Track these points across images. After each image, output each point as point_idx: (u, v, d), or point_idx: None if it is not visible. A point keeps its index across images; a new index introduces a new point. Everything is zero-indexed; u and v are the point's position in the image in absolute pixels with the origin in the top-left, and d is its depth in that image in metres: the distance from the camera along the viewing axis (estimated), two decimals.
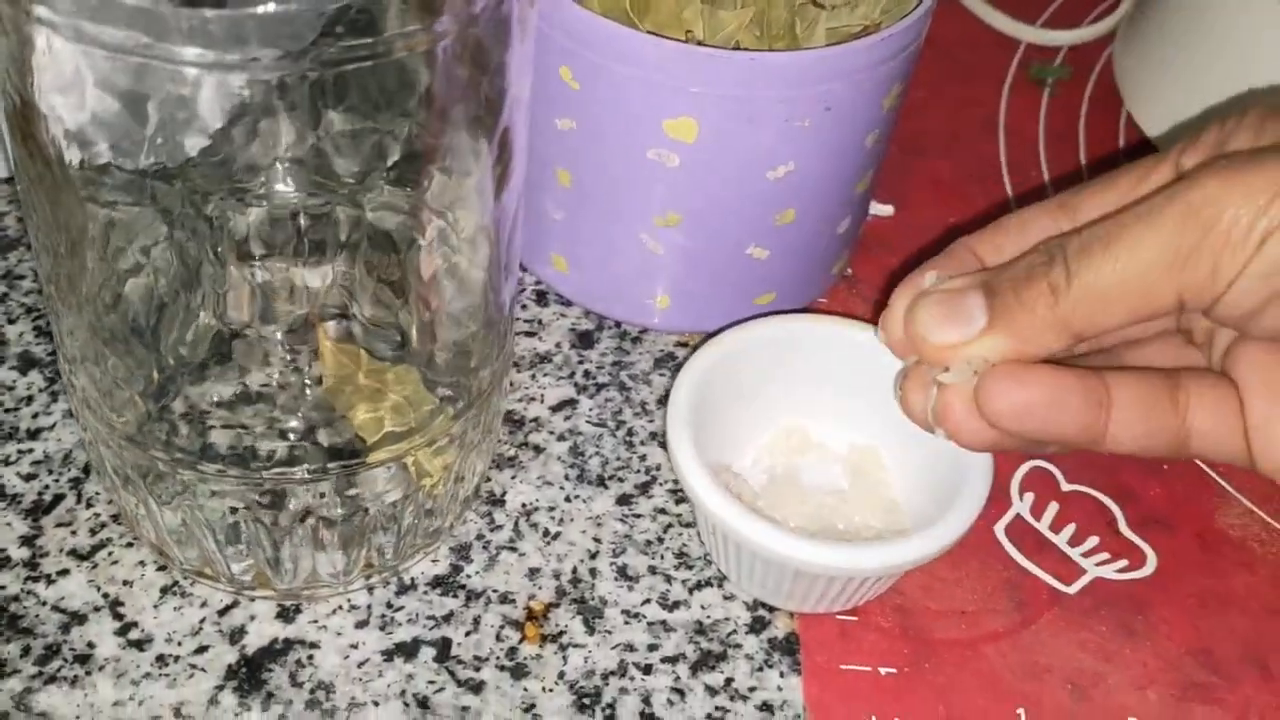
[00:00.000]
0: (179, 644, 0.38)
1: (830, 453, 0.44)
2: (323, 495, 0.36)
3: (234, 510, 0.36)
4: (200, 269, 0.33)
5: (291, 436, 0.36)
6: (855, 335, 0.43)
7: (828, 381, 0.43)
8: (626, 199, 0.44)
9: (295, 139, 0.29)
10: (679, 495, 0.44)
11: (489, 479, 0.43)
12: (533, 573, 0.41)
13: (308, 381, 0.37)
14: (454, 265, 0.34)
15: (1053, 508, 0.45)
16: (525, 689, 0.37)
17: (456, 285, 0.34)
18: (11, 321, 0.45)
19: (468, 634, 0.39)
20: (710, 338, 0.42)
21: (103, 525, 0.40)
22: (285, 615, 0.39)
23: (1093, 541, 0.44)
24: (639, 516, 0.43)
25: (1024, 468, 0.46)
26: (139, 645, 0.37)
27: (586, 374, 0.47)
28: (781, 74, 0.40)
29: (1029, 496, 0.45)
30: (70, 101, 0.30)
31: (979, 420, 0.31)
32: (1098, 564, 0.43)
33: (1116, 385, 0.32)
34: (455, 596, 0.40)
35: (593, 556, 0.41)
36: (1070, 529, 0.44)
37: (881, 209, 0.53)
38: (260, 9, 0.25)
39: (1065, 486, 0.45)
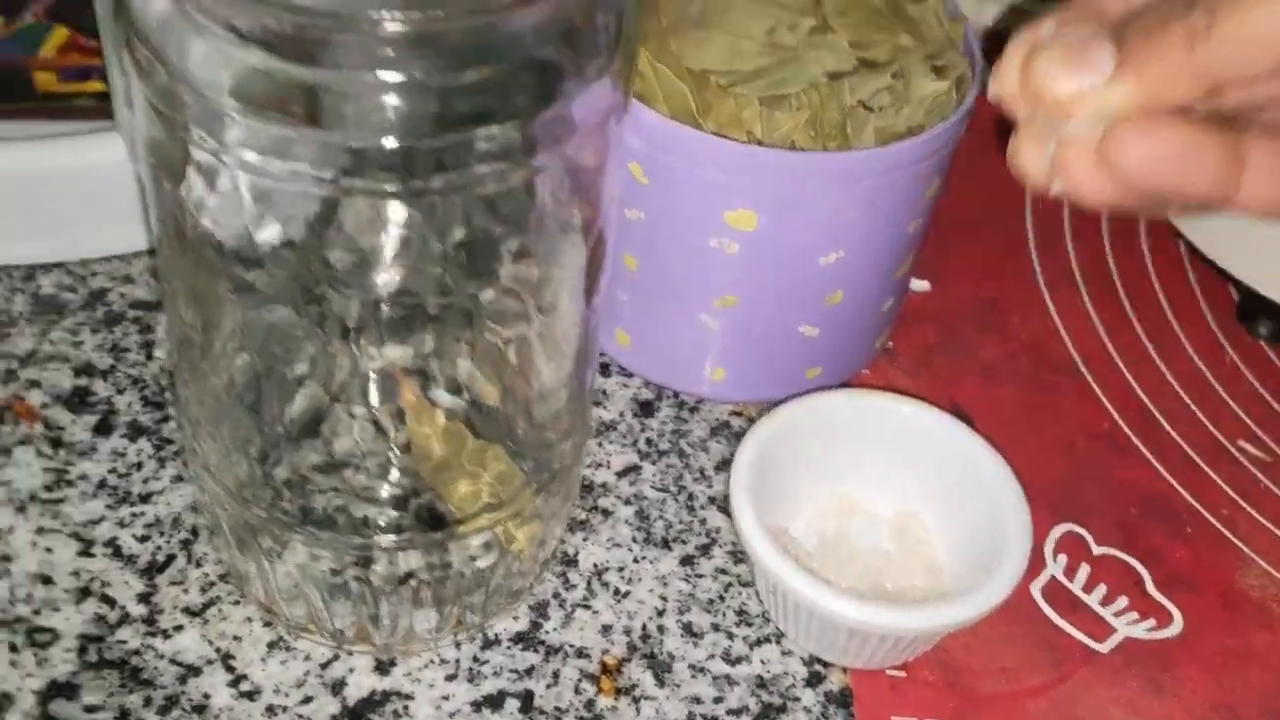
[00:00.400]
0: (286, 695, 0.41)
1: (876, 517, 0.47)
2: (420, 560, 0.39)
3: (338, 571, 0.40)
4: (309, 347, 0.37)
5: (391, 505, 0.39)
6: (901, 409, 0.46)
7: (874, 451, 0.47)
8: (688, 282, 0.47)
9: (417, 247, 0.33)
10: (737, 556, 0.47)
11: (563, 540, 0.46)
12: (605, 629, 0.44)
13: (396, 453, 0.40)
14: (548, 353, 0.37)
15: (1084, 570, 0.48)
16: None
17: (549, 370, 0.38)
18: (120, 392, 0.49)
19: (548, 687, 0.42)
20: (768, 410, 0.45)
21: (212, 584, 0.44)
22: (382, 669, 0.42)
23: (1122, 602, 0.47)
24: (701, 576, 0.46)
25: (1056, 531, 0.49)
26: (250, 696, 0.41)
27: (648, 441, 0.50)
28: (834, 172, 0.43)
29: (1062, 559, 0.48)
30: (221, 206, 0.33)
31: (1103, 174, 0.29)
32: (1128, 623, 0.46)
33: (1253, 141, 0.29)
34: (536, 651, 0.43)
35: (660, 614, 0.45)
36: (1101, 590, 0.47)
37: (919, 284, 0.57)
38: (406, 144, 0.29)
39: (1096, 550, 0.49)
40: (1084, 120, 0.29)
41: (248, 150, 0.31)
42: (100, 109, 0.54)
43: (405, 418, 0.38)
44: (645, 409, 0.52)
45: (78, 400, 0.48)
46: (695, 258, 0.46)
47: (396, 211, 0.32)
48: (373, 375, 0.37)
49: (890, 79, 0.45)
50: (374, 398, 0.38)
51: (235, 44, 0.30)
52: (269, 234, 0.34)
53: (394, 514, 0.39)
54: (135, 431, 0.48)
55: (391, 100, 0.30)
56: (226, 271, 0.35)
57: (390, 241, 0.32)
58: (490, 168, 0.31)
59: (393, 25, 0.28)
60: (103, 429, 0.48)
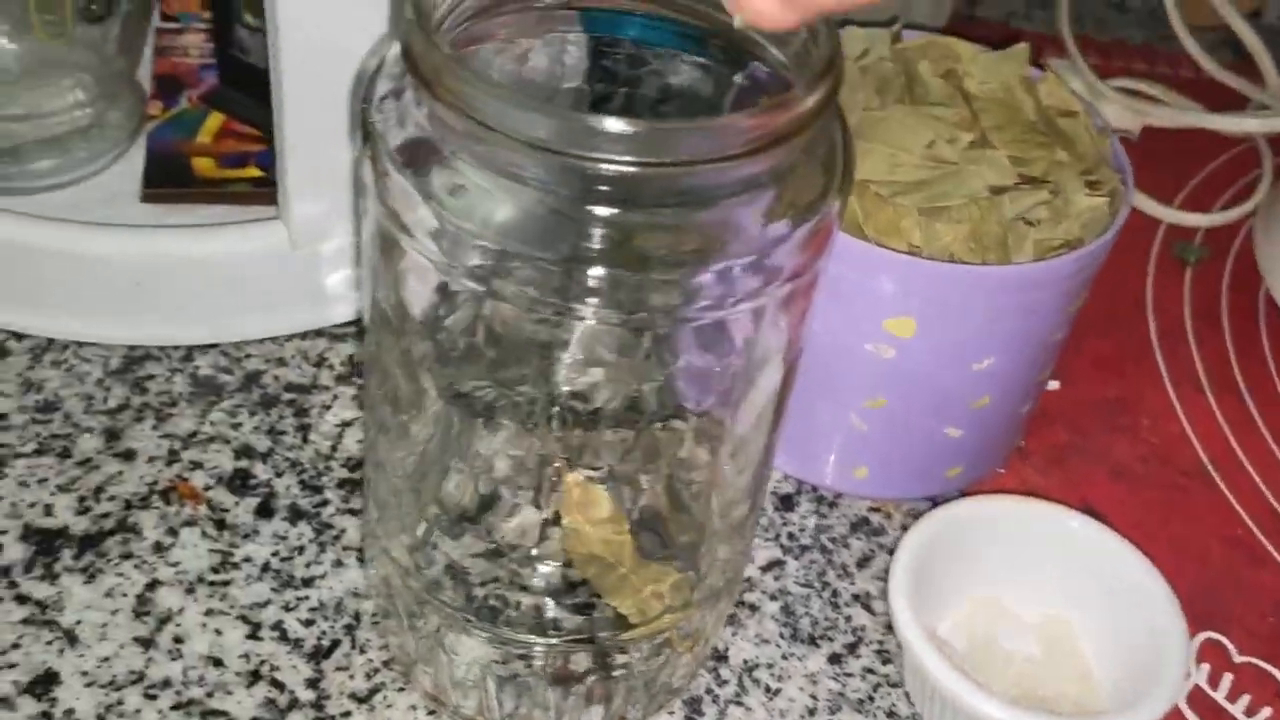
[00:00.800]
0: None
1: (1024, 623, 0.48)
2: (592, 660, 0.40)
3: (509, 663, 0.41)
4: (509, 451, 0.38)
5: (572, 609, 0.40)
6: (1051, 515, 0.47)
7: (1024, 556, 0.47)
8: (840, 383, 0.48)
9: (627, 371, 0.34)
10: (885, 656, 0.47)
11: None
12: None
13: (562, 564, 0.42)
14: (736, 468, 0.38)
15: (1227, 679, 0.48)
16: None
17: (734, 486, 0.39)
18: (279, 475, 0.50)
19: None
20: (912, 507, 0.46)
21: (376, 670, 0.44)
22: None
23: (1266, 712, 0.47)
24: (850, 675, 0.47)
25: (1197, 640, 0.49)
26: None
27: (790, 536, 0.51)
28: (996, 284, 0.44)
29: (1204, 668, 0.49)
30: (433, 307, 0.35)
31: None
32: None
33: None
34: None
35: (811, 713, 0.45)
36: (1245, 700, 0.48)
37: (1051, 384, 0.58)
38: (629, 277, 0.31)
39: (1237, 659, 0.49)
40: None
41: (469, 262, 0.32)
42: (257, 195, 0.56)
43: (590, 526, 0.39)
44: (786, 503, 0.53)
45: (239, 482, 0.50)
46: (850, 360, 0.47)
47: (612, 337, 0.33)
48: (564, 482, 0.38)
49: (1049, 195, 0.46)
50: (562, 503, 0.39)
51: (476, 170, 0.31)
52: (481, 342, 0.35)
53: (576, 617, 0.40)
54: (295, 515, 0.49)
55: (613, 233, 0.31)
56: (433, 371, 0.36)
57: (605, 364, 0.34)
58: (709, 302, 0.32)
59: (615, 165, 0.30)
60: (264, 512, 0.49)
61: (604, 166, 0.29)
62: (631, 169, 0.29)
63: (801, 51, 0.33)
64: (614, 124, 0.29)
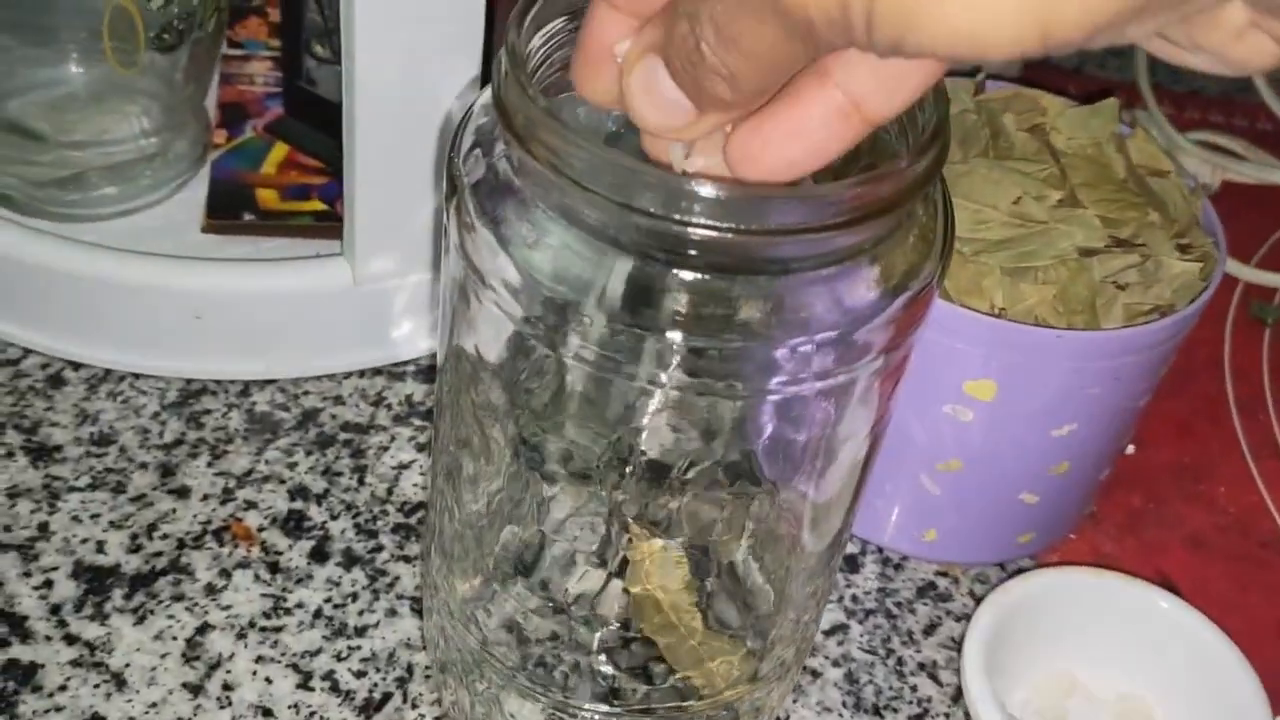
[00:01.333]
0: None
1: (1097, 700, 0.46)
2: None
3: None
4: (580, 519, 0.37)
5: (643, 679, 0.39)
6: (1131, 590, 0.45)
7: (1101, 631, 0.45)
8: (915, 445, 0.47)
9: (709, 443, 0.33)
10: None
11: None
12: None
13: (621, 626, 0.40)
14: (815, 541, 0.37)
15: None
16: None
17: (813, 558, 0.37)
18: (334, 518, 0.49)
19: None
20: (1000, 585, 0.44)
21: None
22: None
23: None
24: None
25: None
26: None
27: (854, 599, 0.50)
28: (1083, 349, 0.43)
29: None
30: (505, 358, 0.34)
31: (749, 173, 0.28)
32: None
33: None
34: None
35: None
36: None
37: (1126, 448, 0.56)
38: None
39: None
40: (701, 151, 0.29)
41: (547, 319, 0.31)
42: (319, 229, 0.55)
43: (662, 594, 0.37)
44: (850, 563, 0.51)
45: (293, 524, 0.49)
46: (926, 422, 0.46)
47: (692, 403, 0.32)
48: (637, 549, 0.37)
49: (1139, 258, 0.44)
50: (633, 571, 0.37)
51: (563, 227, 0.30)
52: (556, 398, 0.34)
53: (639, 685, 0.39)
54: (349, 561, 0.48)
55: (699, 299, 0.30)
56: (504, 423, 0.35)
57: (684, 432, 0.32)
58: (793, 376, 0.31)
59: (706, 231, 0.28)
60: (318, 556, 0.48)
61: (695, 231, 0.28)
62: (724, 235, 0.28)
63: (907, 115, 0.32)
64: (710, 189, 0.28)
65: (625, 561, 0.37)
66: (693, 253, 0.29)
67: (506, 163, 0.31)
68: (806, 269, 0.30)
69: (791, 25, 0.24)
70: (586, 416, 0.34)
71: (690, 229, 0.28)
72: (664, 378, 0.31)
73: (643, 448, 0.34)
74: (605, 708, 0.38)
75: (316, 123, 0.58)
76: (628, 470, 0.35)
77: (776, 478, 0.36)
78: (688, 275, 0.30)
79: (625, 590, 0.38)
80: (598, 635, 0.40)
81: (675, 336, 0.30)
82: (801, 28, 0.24)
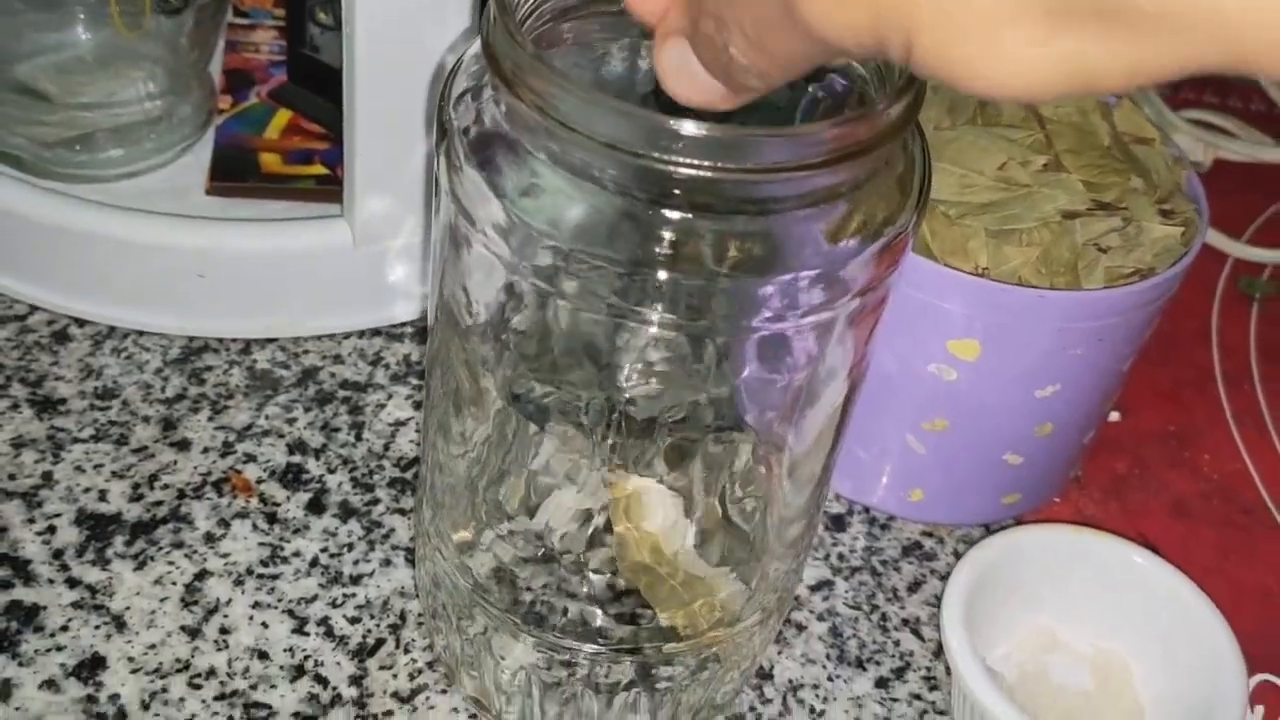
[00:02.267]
0: None
1: (1077, 654, 0.47)
2: (639, 671, 0.40)
3: (551, 668, 0.40)
4: (566, 458, 0.38)
5: (624, 620, 0.40)
6: (1110, 547, 0.46)
7: (1080, 588, 0.46)
8: (900, 404, 0.48)
9: (694, 379, 0.34)
10: (932, 682, 0.47)
11: None
12: None
13: (611, 572, 0.41)
14: (796, 485, 0.38)
15: None
16: None
17: (794, 502, 0.38)
18: (331, 471, 0.50)
19: None
20: (967, 536, 0.45)
21: (419, 671, 0.44)
22: None
23: None
24: (896, 700, 0.46)
25: (1253, 681, 0.48)
26: None
27: (840, 557, 0.51)
28: (1065, 310, 0.44)
29: (1259, 709, 0.47)
30: (497, 302, 0.35)
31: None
32: None
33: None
34: None
35: None
36: None
37: (1111, 414, 0.57)
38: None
39: None
40: None
41: (537, 261, 0.32)
42: (321, 192, 0.56)
43: (640, 534, 0.38)
44: (837, 523, 0.52)
45: (291, 477, 0.50)
46: (911, 381, 0.47)
47: (676, 344, 0.33)
48: (616, 489, 0.38)
49: (1121, 222, 0.45)
50: (613, 510, 0.38)
51: (550, 169, 0.31)
52: (544, 344, 0.35)
53: (623, 626, 0.40)
54: (346, 513, 0.49)
55: (684, 238, 0.31)
56: (495, 371, 0.36)
57: (667, 372, 0.33)
58: (775, 313, 0.31)
59: (691, 170, 0.29)
60: (315, 508, 0.49)
61: (680, 170, 0.29)
62: (709, 174, 0.29)
63: (884, 66, 0.33)
64: (693, 128, 0.29)
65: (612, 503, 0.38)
66: (677, 192, 0.30)
67: (495, 107, 0.32)
68: (788, 209, 0.31)
69: (823, 46, 0.24)
70: (573, 359, 0.35)
71: (674, 168, 0.29)
72: (647, 316, 0.32)
73: (627, 389, 0.35)
74: (592, 646, 0.39)
75: (319, 89, 0.59)
76: (613, 413, 0.36)
77: (757, 420, 0.36)
78: (673, 214, 0.31)
79: (609, 530, 0.39)
80: (586, 580, 0.41)
81: (658, 275, 0.31)
82: (834, 48, 0.24)
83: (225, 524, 0.48)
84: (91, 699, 0.42)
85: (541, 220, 0.32)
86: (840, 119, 0.30)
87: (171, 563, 0.46)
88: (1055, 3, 0.21)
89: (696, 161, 0.29)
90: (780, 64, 0.26)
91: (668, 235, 0.31)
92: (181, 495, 0.48)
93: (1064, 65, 0.21)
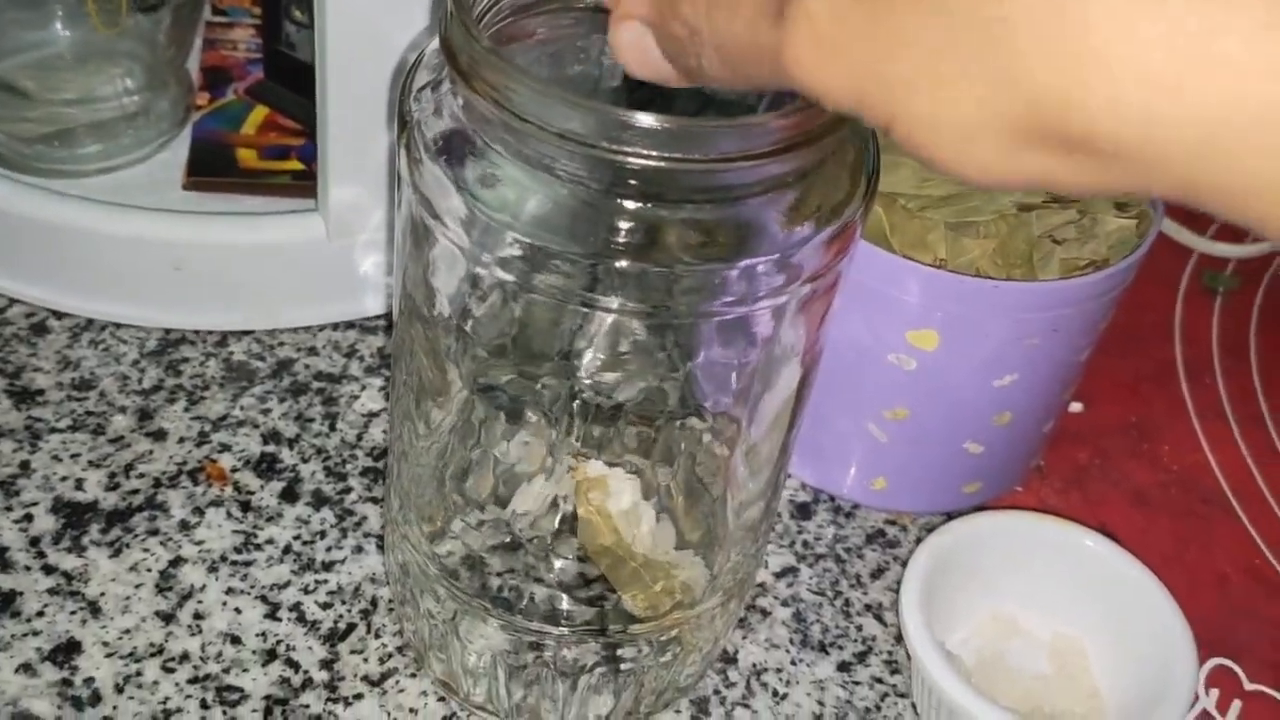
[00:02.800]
0: None
1: (1034, 639, 0.48)
2: (601, 653, 0.41)
3: (518, 651, 0.41)
4: (526, 441, 0.39)
5: (587, 602, 0.41)
6: (1066, 533, 0.47)
7: (1037, 573, 0.47)
8: (861, 394, 0.49)
9: (651, 363, 0.34)
10: (893, 666, 0.48)
11: None
12: None
13: (577, 558, 0.42)
14: (752, 468, 0.39)
15: (1236, 705, 0.48)
16: None
17: (751, 484, 0.39)
18: (305, 461, 0.51)
19: None
20: (929, 522, 0.46)
21: (390, 655, 0.45)
22: None
23: None
24: (858, 684, 0.47)
25: (1208, 666, 0.49)
26: None
27: (805, 544, 0.52)
28: (1020, 300, 0.45)
29: (1214, 693, 0.48)
30: (459, 293, 0.35)
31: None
32: None
33: None
34: None
35: (818, 719, 0.46)
36: None
37: (1073, 405, 0.58)
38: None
39: (1248, 685, 0.49)
40: None
41: (498, 252, 0.33)
42: (297, 188, 0.57)
43: (602, 518, 0.39)
44: (802, 511, 0.53)
45: (265, 466, 0.51)
46: (871, 371, 0.48)
47: (635, 331, 0.34)
48: (578, 473, 0.39)
49: (1076, 214, 0.46)
50: (576, 494, 0.39)
51: (508, 161, 0.32)
52: (507, 334, 0.36)
53: (588, 609, 0.41)
54: (319, 501, 0.50)
55: (641, 227, 0.32)
56: (459, 361, 0.37)
57: (627, 358, 0.34)
58: (731, 299, 0.32)
59: (644, 160, 0.30)
60: (288, 496, 0.50)
61: (633, 160, 0.30)
62: (661, 164, 0.30)
63: None
64: (645, 119, 0.30)
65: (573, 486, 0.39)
66: (631, 181, 0.31)
67: (453, 100, 0.33)
68: (741, 197, 0.32)
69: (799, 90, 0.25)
70: (536, 350, 0.36)
71: (628, 158, 0.30)
72: (607, 304, 0.33)
73: (588, 377, 0.36)
74: (556, 629, 0.40)
75: (296, 86, 0.60)
76: (574, 400, 0.37)
77: (714, 405, 0.37)
78: (629, 204, 0.32)
79: (571, 513, 0.40)
80: (552, 565, 0.42)
81: (617, 264, 0.32)
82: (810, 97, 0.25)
83: (200, 512, 0.49)
84: (67, 682, 0.43)
85: (501, 211, 0.33)
86: (789, 109, 0.31)
87: (147, 550, 0.47)
88: (1023, 129, 0.22)
89: (648, 152, 0.30)
90: (747, 84, 0.27)
91: (624, 224, 0.32)
92: (157, 484, 0.49)
93: (1030, 175, 0.23)
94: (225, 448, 0.51)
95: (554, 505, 0.42)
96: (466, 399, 0.40)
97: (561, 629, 0.40)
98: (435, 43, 0.35)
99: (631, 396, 0.37)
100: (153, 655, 0.44)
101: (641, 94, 0.40)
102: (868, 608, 0.50)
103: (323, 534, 0.49)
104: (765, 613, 0.49)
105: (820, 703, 0.46)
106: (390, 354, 0.55)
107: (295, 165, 0.58)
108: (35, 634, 0.44)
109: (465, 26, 0.31)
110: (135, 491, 0.49)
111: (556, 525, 0.42)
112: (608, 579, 0.39)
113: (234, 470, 0.50)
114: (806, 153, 0.31)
